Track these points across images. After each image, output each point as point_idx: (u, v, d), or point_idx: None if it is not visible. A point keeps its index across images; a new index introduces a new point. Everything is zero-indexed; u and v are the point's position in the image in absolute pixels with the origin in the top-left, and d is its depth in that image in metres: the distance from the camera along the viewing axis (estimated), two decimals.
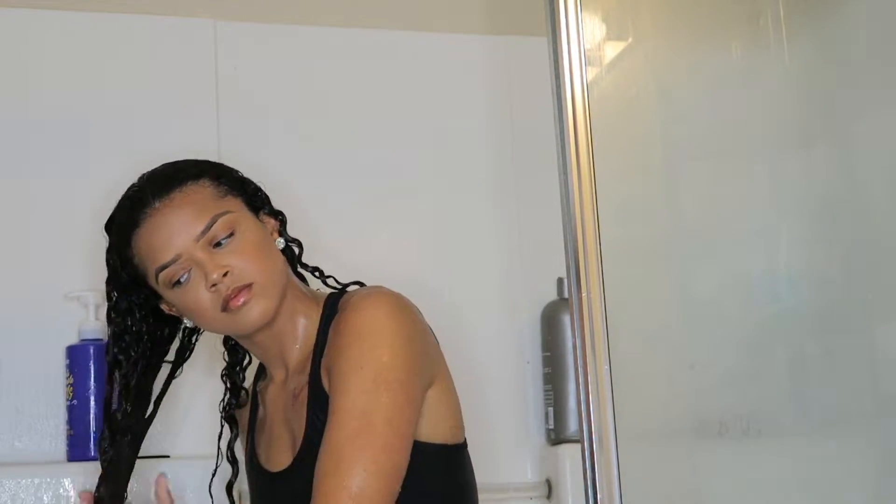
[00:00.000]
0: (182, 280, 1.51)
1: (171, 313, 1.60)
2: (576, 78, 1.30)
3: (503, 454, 2.13)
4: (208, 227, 1.51)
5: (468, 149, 2.24)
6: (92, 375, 1.92)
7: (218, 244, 1.51)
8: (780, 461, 1.61)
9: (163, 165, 1.61)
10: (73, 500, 1.86)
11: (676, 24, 1.70)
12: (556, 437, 2.11)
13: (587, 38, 1.32)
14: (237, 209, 1.55)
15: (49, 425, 1.96)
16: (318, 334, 1.56)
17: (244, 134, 2.14)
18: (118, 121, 2.08)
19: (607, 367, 1.26)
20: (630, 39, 1.66)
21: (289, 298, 1.57)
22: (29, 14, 2.07)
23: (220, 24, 2.15)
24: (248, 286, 1.50)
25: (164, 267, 1.51)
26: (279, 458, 1.58)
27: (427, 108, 2.23)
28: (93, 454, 1.89)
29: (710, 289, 1.67)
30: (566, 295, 2.11)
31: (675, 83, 1.69)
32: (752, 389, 1.64)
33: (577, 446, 1.26)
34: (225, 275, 1.49)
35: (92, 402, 1.91)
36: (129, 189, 1.61)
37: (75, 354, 1.93)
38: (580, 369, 1.26)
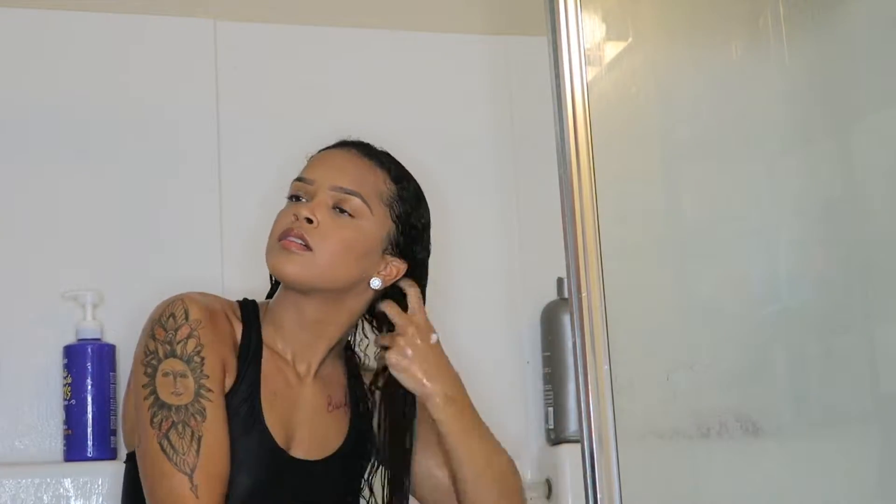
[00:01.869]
0: (294, 199, 1.59)
1: None
2: (576, 78, 1.30)
3: None
4: (347, 191, 1.57)
5: (468, 148, 2.24)
6: (89, 375, 1.92)
7: (338, 210, 1.57)
8: (780, 461, 1.61)
9: (411, 176, 1.67)
10: (72, 500, 1.86)
11: (676, 24, 1.70)
12: (556, 437, 2.11)
13: (587, 38, 1.32)
14: (377, 218, 1.59)
15: (49, 425, 1.96)
16: (346, 360, 1.69)
17: (244, 134, 2.14)
18: (118, 120, 2.08)
19: (607, 367, 1.26)
20: (630, 39, 1.66)
21: (347, 313, 1.62)
22: (29, 14, 2.07)
23: (220, 24, 2.15)
24: (308, 248, 1.54)
25: (299, 178, 1.61)
26: (300, 447, 1.59)
27: (427, 108, 2.23)
28: (90, 454, 1.89)
29: (710, 289, 1.67)
30: (566, 295, 2.10)
31: (675, 83, 1.69)
32: (752, 389, 1.64)
33: (577, 446, 1.26)
34: (310, 222, 1.55)
35: (90, 402, 1.91)
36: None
37: (73, 354, 1.93)
38: (580, 369, 1.26)
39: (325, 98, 2.19)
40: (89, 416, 1.91)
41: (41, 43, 2.08)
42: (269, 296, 1.68)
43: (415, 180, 1.66)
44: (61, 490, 1.86)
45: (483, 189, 2.22)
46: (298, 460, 1.58)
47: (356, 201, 1.57)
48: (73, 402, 1.91)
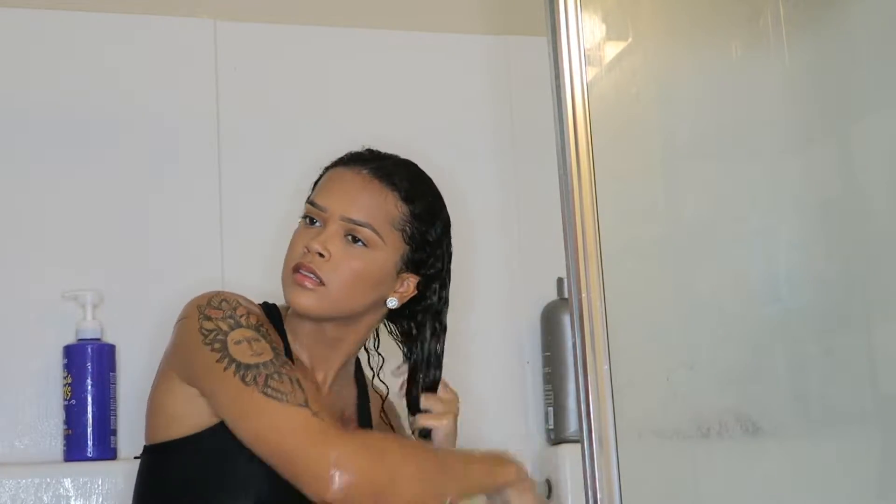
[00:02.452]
0: (307, 221, 1.59)
1: None
2: (576, 78, 1.30)
3: None
4: (358, 224, 1.56)
5: (468, 148, 2.24)
6: (89, 375, 1.92)
7: (351, 239, 1.56)
8: (780, 461, 1.61)
9: (426, 178, 1.66)
10: (72, 500, 1.86)
11: (676, 24, 1.70)
12: (556, 437, 2.11)
13: (587, 38, 1.32)
14: (389, 246, 1.58)
15: (49, 425, 1.96)
16: (357, 383, 1.72)
17: (244, 134, 2.14)
18: (118, 120, 2.08)
19: (607, 367, 1.26)
20: (630, 39, 1.66)
21: (364, 328, 1.64)
22: (29, 14, 2.07)
23: (220, 24, 2.15)
24: (321, 284, 1.55)
25: (313, 203, 1.59)
26: None
27: (427, 108, 2.23)
28: (90, 454, 1.89)
29: (710, 289, 1.68)
30: (566, 295, 2.10)
31: (675, 83, 1.69)
32: (752, 389, 1.64)
33: (577, 446, 1.26)
34: (322, 256, 1.55)
35: (90, 402, 1.91)
36: (369, 148, 1.67)
37: (73, 354, 1.93)
38: (580, 369, 1.26)
39: (325, 98, 2.19)
40: (89, 416, 1.91)
41: (41, 43, 2.08)
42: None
43: (428, 188, 1.65)
44: (61, 490, 1.86)
45: (483, 189, 2.22)
46: None
47: (368, 232, 1.56)
48: (73, 402, 1.91)
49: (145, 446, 1.61)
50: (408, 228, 1.59)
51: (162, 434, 1.58)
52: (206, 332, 1.51)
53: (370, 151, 1.64)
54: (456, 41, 2.27)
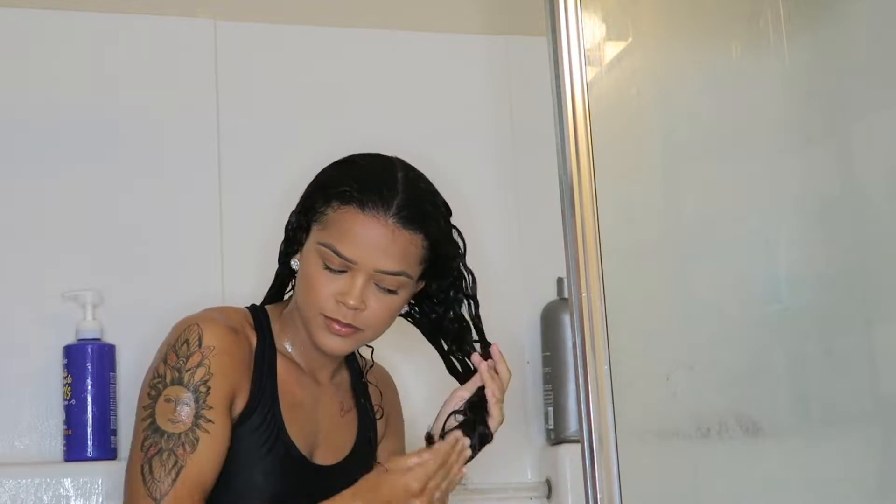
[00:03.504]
0: (334, 270, 1.55)
1: (291, 265, 1.63)
2: (576, 78, 1.30)
3: (503, 454, 2.12)
4: (390, 274, 1.56)
5: (468, 148, 2.24)
6: (89, 375, 1.92)
7: (380, 287, 1.56)
8: (780, 461, 1.61)
9: (425, 186, 1.62)
10: (72, 500, 1.86)
11: (676, 24, 1.70)
12: (556, 437, 2.11)
13: (587, 38, 1.32)
14: (414, 278, 1.59)
15: (49, 425, 1.96)
16: (349, 364, 1.71)
17: (244, 134, 2.14)
18: (118, 120, 2.08)
19: (607, 367, 1.26)
20: (630, 39, 1.66)
21: None
22: (29, 14, 2.07)
23: (220, 24, 2.15)
24: (359, 331, 1.57)
25: (340, 255, 1.55)
26: (319, 453, 1.61)
27: (427, 108, 2.23)
28: (90, 454, 1.89)
29: (710, 289, 1.67)
30: (566, 295, 2.10)
31: (675, 83, 1.69)
32: (752, 389, 1.64)
33: (577, 446, 1.26)
34: (356, 309, 1.55)
35: (90, 402, 1.91)
36: (384, 163, 1.62)
37: (73, 354, 1.93)
38: (580, 369, 1.26)
39: (325, 98, 2.19)
40: (89, 416, 1.91)
41: (41, 43, 2.08)
42: (273, 295, 1.69)
43: (434, 205, 1.62)
44: (61, 490, 1.86)
45: (483, 189, 2.22)
46: (319, 466, 1.60)
47: (402, 279, 1.57)
48: (73, 402, 1.91)
49: None
50: (429, 255, 1.60)
51: None
52: (156, 376, 1.53)
53: (382, 181, 1.58)
54: (456, 41, 2.27)
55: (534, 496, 2.12)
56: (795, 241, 1.72)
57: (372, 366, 1.72)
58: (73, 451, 1.90)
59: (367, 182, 1.57)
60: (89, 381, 1.92)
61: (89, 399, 1.91)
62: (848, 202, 1.70)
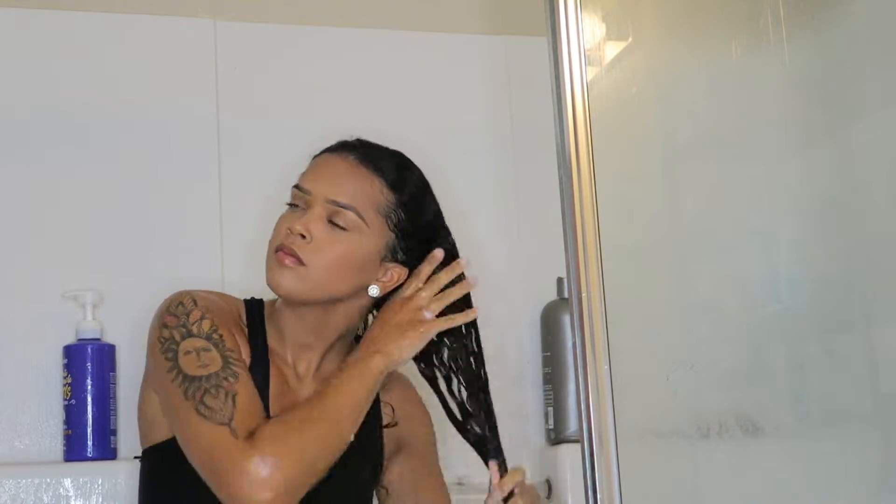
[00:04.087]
0: (295, 207, 1.60)
1: None
2: (576, 78, 1.30)
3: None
4: (342, 206, 1.57)
5: (468, 149, 2.23)
6: (89, 375, 1.91)
7: (333, 224, 1.56)
8: (780, 461, 1.61)
9: (401, 155, 1.67)
10: (72, 500, 1.86)
11: (676, 24, 1.70)
12: (556, 437, 2.11)
13: (587, 38, 1.32)
14: (373, 231, 1.58)
15: (49, 425, 1.96)
16: None
17: (244, 134, 2.14)
18: (118, 120, 2.08)
19: (607, 367, 1.26)
20: (630, 39, 1.66)
21: (343, 317, 1.62)
22: (29, 14, 2.07)
23: (220, 24, 2.15)
24: (301, 262, 1.55)
25: (298, 187, 1.61)
26: None
27: (427, 108, 2.22)
28: (90, 454, 1.89)
29: (710, 289, 1.67)
30: (566, 295, 2.10)
31: (675, 83, 1.69)
32: (752, 389, 1.64)
33: (577, 446, 1.26)
34: (303, 237, 1.55)
35: (90, 402, 1.91)
36: (358, 138, 1.68)
37: (73, 354, 1.93)
38: (580, 369, 1.26)
39: (325, 98, 2.19)
40: (89, 416, 1.90)
41: (41, 43, 2.08)
42: None
43: (416, 177, 1.64)
44: (61, 490, 1.86)
45: (483, 189, 2.22)
46: None
47: (351, 215, 1.56)
48: (72, 402, 1.91)
49: (143, 449, 1.64)
50: (393, 216, 1.59)
51: (147, 439, 1.62)
52: (163, 341, 1.54)
53: (359, 140, 1.65)
54: (456, 41, 2.26)
55: None
56: (795, 241, 1.72)
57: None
58: (73, 451, 1.90)
59: (340, 141, 1.64)
60: (89, 381, 1.91)
61: (89, 399, 1.91)
62: (848, 202, 1.70)
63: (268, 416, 1.55)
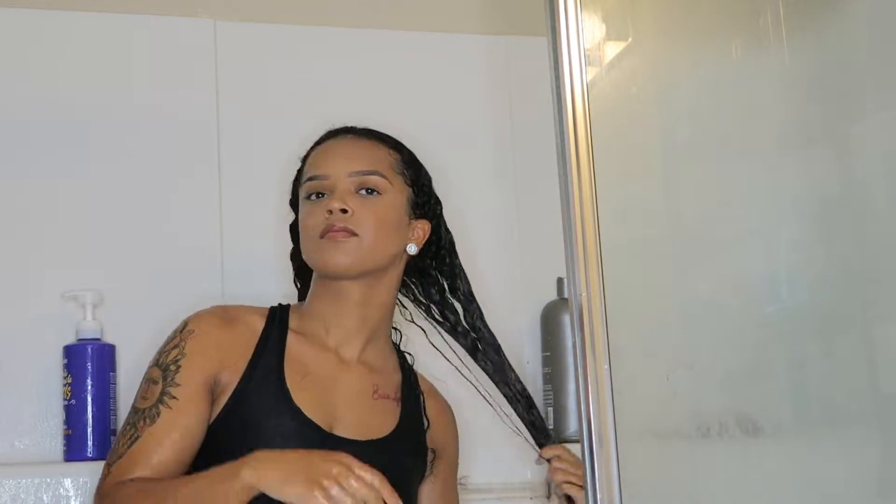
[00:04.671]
0: (314, 197, 1.64)
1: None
2: (576, 78, 1.30)
3: (503, 454, 2.13)
4: (365, 173, 1.64)
5: (468, 149, 2.24)
6: (89, 375, 1.92)
7: (364, 192, 1.63)
8: (780, 461, 1.61)
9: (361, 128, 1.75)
10: (72, 500, 1.86)
11: (676, 24, 1.70)
12: (556, 437, 2.11)
13: (587, 38, 1.32)
14: (396, 188, 1.66)
15: (49, 425, 1.96)
16: (402, 371, 1.76)
17: (244, 134, 2.14)
18: (118, 120, 2.08)
19: (607, 367, 1.26)
20: (630, 39, 1.66)
21: (385, 289, 1.68)
22: (29, 14, 2.07)
23: (220, 24, 2.16)
24: (355, 234, 1.61)
25: (312, 178, 1.65)
26: (343, 427, 1.62)
27: (427, 108, 2.23)
28: (90, 454, 1.89)
29: (709, 289, 1.67)
30: (566, 295, 2.11)
31: (675, 83, 1.69)
32: (752, 389, 1.64)
33: (577, 446, 1.26)
34: (345, 211, 1.60)
35: (90, 402, 1.91)
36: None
37: (73, 354, 1.93)
38: (580, 369, 1.26)
39: (325, 98, 2.19)
40: (89, 416, 1.91)
41: (41, 43, 2.08)
42: (301, 298, 1.75)
43: (403, 144, 1.75)
44: (61, 490, 1.86)
45: (483, 189, 2.23)
46: (343, 438, 1.61)
47: (376, 178, 1.64)
48: (73, 402, 1.91)
49: None
50: (406, 172, 1.68)
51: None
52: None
53: (343, 125, 1.73)
54: (456, 41, 2.27)
55: (534, 496, 2.12)
56: (795, 241, 1.72)
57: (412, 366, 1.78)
58: (73, 451, 1.90)
59: (333, 130, 1.72)
60: (89, 381, 1.92)
61: (89, 399, 1.91)
62: (848, 202, 1.69)
63: (287, 393, 1.58)
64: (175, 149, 2.11)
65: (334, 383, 1.65)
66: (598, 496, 1.23)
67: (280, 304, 1.70)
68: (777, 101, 1.72)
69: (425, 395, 1.76)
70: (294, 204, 1.73)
